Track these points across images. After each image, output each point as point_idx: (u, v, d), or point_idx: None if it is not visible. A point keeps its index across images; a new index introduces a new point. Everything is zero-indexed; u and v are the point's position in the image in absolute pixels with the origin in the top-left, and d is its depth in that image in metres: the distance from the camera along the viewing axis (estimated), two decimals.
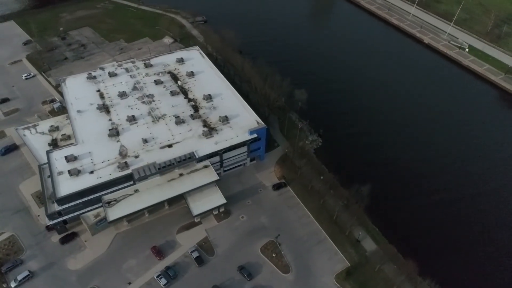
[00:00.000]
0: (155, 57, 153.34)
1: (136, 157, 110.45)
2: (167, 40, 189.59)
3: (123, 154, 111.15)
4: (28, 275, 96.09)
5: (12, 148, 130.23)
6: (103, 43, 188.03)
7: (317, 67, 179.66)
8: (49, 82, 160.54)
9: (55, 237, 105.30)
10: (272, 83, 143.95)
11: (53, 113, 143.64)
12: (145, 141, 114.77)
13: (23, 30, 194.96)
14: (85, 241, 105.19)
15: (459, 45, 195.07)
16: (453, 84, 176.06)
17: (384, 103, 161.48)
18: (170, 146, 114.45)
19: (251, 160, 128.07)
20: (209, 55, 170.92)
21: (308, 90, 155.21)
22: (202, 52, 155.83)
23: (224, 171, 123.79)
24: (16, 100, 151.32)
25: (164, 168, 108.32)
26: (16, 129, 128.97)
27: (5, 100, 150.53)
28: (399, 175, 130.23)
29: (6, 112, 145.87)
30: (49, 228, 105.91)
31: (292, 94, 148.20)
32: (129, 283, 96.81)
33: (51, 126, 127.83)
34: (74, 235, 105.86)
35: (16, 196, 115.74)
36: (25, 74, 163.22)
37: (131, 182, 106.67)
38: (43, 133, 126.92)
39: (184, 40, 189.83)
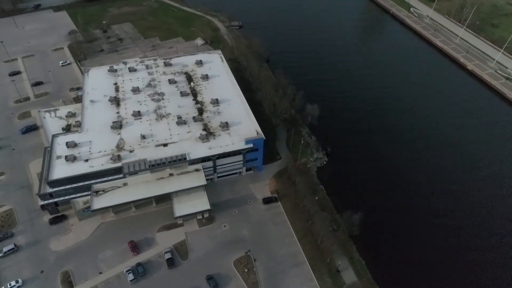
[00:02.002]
0: (177, 57, 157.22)
1: (131, 151, 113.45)
2: (199, 41, 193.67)
3: (119, 147, 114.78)
4: (13, 248, 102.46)
5: (32, 128, 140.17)
6: (138, 39, 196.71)
7: (343, 84, 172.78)
8: (81, 71, 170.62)
9: (47, 217, 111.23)
10: (284, 94, 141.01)
11: (77, 100, 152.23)
12: (143, 137, 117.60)
13: (72, 20, 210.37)
14: (72, 225, 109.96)
15: (507, 75, 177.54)
16: (490, 117, 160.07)
17: (407, 129, 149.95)
18: (165, 145, 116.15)
19: (247, 170, 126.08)
20: (233, 60, 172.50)
21: (327, 106, 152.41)
22: (222, 56, 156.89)
23: (218, 177, 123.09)
24: (48, 84, 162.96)
25: (154, 166, 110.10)
26: (39, 111, 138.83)
27: (39, 83, 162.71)
28: (401, 211, 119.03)
29: (37, 94, 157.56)
30: (43, 208, 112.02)
31: (305, 108, 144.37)
32: (100, 273, 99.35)
33: (69, 112, 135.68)
34: (63, 218, 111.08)
35: (24, 173, 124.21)
36: (62, 61, 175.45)
37: (121, 175, 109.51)
38: (60, 117, 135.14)
39: (215, 43, 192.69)
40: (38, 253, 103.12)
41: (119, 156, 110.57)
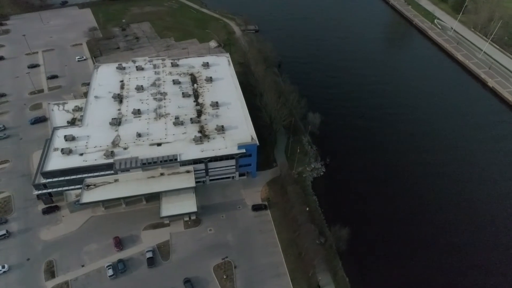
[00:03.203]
0: (184, 58, 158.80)
1: (125, 148, 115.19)
2: (212, 43, 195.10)
3: (115, 143, 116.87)
4: (4, 234, 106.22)
5: (41, 120, 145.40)
6: (154, 39, 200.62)
7: (354, 96, 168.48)
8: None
9: (41, 206, 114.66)
10: (286, 100, 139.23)
11: (87, 95, 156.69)
12: (139, 135, 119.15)
13: (94, 18, 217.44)
14: (63, 216, 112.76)
15: None
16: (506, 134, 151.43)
17: (417, 148, 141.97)
18: (159, 144, 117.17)
19: (241, 175, 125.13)
20: (242, 64, 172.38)
21: (334, 116, 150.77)
22: (230, 59, 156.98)
23: (210, 180, 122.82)
24: (62, 78, 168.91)
25: (145, 165, 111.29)
26: (48, 103, 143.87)
27: (54, 77, 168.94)
28: (395, 232, 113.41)
29: (51, 87, 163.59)
30: (38, 197, 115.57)
31: (307, 116, 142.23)
32: (82, 266, 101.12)
33: (76, 106, 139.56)
34: (56, 208, 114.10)
35: (27, 162, 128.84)
36: (78, 57, 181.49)
37: (112, 171, 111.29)
38: (67, 111, 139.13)
39: (228, 46, 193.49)
40: (28, 241, 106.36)
41: (112, 152, 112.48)
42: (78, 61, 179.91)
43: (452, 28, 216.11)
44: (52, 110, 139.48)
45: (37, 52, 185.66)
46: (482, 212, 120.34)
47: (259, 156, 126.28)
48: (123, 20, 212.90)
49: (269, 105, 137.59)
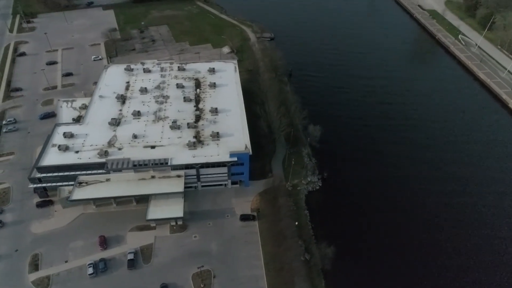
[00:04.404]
0: (192, 62, 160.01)
1: (120, 149, 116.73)
2: (225, 49, 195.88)
3: (110, 143, 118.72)
4: None
5: (50, 115, 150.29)
6: (170, 42, 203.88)
7: (362, 109, 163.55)
8: None
9: (36, 200, 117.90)
10: (286, 111, 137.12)
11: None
12: (135, 137, 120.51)
13: (115, 19, 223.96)
14: (55, 211, 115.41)
15: None
16: None
17: (428, 175, 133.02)
18: (153, 147, 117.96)
19: (233, 183, 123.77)
20: (251, 71, 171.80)
21: (338, 130, 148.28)
22: (237, 66, 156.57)
23: (202, 186, 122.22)
24: (77, 76, 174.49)
25: (136, 166, 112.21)
26: (58, 100, 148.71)
27: (69, 74, 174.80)
28: (383, 255, 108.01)
29: (64, 84, 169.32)
30: (35, 191, 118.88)
31: (308, 128, 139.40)
32: (66, 261, 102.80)
33: (83, 104, 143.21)
34: (50, 203, 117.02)
35: (30, 156, 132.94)
36: (94, 56, 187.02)
37: (103, 171, 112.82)
38: (75, 108, 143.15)
39: (241, 53, 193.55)
40: (19, 232, 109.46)
41: (106, 152, 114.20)
42: (94, 60, 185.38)
43: (476, 45, 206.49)
44: (61, 106, 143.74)
45: (57, 50, 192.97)
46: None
47: (254, 165, 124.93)
48: (142, 23, 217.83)
49: (269, 114, 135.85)
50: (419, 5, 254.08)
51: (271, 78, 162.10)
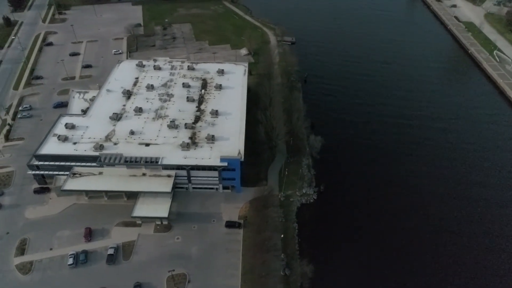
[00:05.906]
0: (203, 62, 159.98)
1: (115, 144, 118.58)
2: (243, 51, 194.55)
3: (108, 137, 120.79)
4: None
5: (63, 105, 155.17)
6: (190, 40, 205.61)
7: (371, 126, 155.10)
8: None
9: (35, 186, 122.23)
10: (288, 118, 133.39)
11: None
12: (132, 133, 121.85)
13: (142, 15, 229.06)
14: (50, 198, 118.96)
15: None
16: None
17: (429, 202, 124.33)
18: (147, 145, 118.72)
19: (225, 188, 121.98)
20: (263, 75, 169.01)
21: (344, 143, 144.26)
22: (247, 69, 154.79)
23: (193, 188, 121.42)
24: (95, 68, 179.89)
25: (127, 163, 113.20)
26: (72, 90, 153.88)
27: (88, 66, 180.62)
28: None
29: (82, 76, 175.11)
30: (34, 177, 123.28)
31: (309, 138, 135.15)
32: (51, 249, 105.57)
33: (93, 96, 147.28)
34: (46, 190, 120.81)
35: (37, 142, 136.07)
36: (115, 50, 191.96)
37: (96, 164, 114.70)
38: (86, 100, 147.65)
39: (258, 55, 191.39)
40: (13, 216, 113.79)
41: (101, 146, 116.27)
42: (114, 54, 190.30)
43: None
44: (73, 97, 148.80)
45: (82, 42, 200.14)
46: None
47: (248, 171, 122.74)
48: (166, 20, 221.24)
49: (270, 120, 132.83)
50: (455, 16, 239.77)
51: (282, 83, 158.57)
